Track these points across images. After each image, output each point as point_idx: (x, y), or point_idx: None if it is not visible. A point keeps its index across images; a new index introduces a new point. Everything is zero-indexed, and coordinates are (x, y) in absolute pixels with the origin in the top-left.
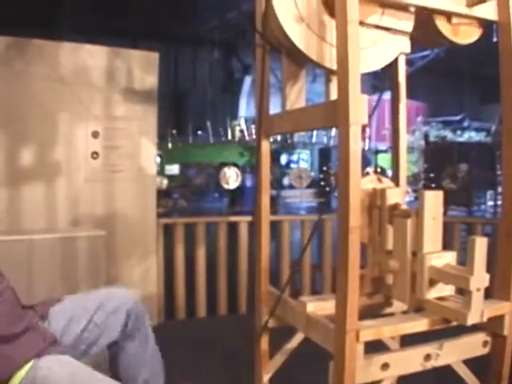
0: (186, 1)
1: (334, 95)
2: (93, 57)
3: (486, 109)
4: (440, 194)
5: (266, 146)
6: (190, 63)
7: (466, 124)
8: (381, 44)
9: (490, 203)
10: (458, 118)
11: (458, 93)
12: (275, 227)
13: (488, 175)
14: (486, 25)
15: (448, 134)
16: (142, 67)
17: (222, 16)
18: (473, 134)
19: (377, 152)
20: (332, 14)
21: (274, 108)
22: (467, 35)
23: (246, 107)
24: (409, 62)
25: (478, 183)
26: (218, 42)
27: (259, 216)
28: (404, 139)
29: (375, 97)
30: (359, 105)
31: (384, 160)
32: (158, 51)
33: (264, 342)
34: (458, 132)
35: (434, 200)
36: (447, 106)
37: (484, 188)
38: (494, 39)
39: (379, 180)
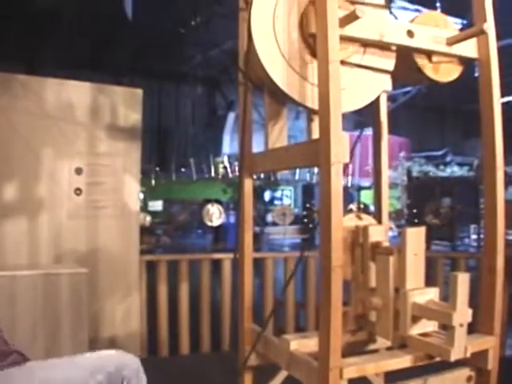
0: (169, 37)
1: (315, 134)
2: (77, 93)
3: (468, 143)
4: (422, 230)
5: (248, 185)
6: (174, 99)
7: (448, 159)
8: (362, 83)
9: (474, 237)
10: (440, 152)
11: (441, 128)
12: (259, 264)
13: (471, 209)
14: (467, 60)
15: (431, 169)
16: (126, 104)
17: (206, 53)
18: (455, 168)
19: (360, 188)
20: (314, 53)
21: (258, 144)
22: (448, 73)
23: (229, 144)
24: (391, 98)
25: (461, 217)
26: (202, 79)
27: (242, 254)
28: (386, 176)
29: (356, 133)
30: (341, 144)
31: (367, 196)
32: (142, 87)
33: (247, 380)
34: (441, 167)
35: (416, 237)
36: (430, 141)
37: (467, 222)
38: (476, 74)
39: (359, 217)
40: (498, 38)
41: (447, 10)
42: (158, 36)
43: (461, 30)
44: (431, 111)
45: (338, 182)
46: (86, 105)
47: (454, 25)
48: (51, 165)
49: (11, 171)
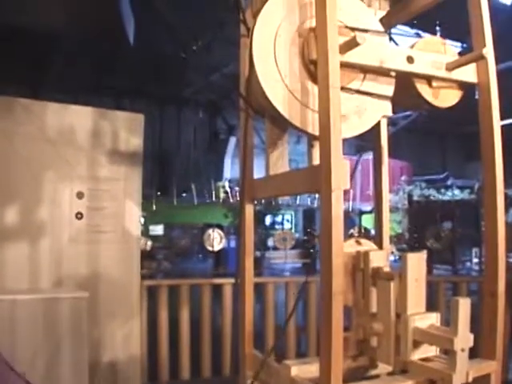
0: (170, 62)
1: (316, 160)
2: (79, 117)
3: (469, 166)
4: (422, 256)
5: (249, 211)
6: (175, 124)
7: (449, 182)
8: (363, 109)
9: (476, 260)
10: (441, 176)
11: (442, 151)
12: (260, 289)
13: (472, 233)
14: (467, 84)
15: (432, 193)
16: (128, 129)
17: (207, 77)
18: (457, 191)
19: (361, 213)
20: (314, 80)
21: (259, 168)
22: (448, 98)
23: (230, 168)
24: (392, 122)
25: (463, 241)
26: (203, 103)
27: (243, 279)
28: (386, 201)
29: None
30: (341, 170)
31: (368, 221)
32: (143, 111)
33: None
34: (442, 190)
35: (416, 262)
36: (431, 165)
37: (469, 245)
38: (476, 97)
39: (358, 243)
40: (497, 61)
41: (447, 34)
42: (160, 60)
43: (460, 53)
44: (432, 134)
45: (338, 209)
46: (88, 129)
47: (453, 50)
48: (52, 189)
49: (13, 195)
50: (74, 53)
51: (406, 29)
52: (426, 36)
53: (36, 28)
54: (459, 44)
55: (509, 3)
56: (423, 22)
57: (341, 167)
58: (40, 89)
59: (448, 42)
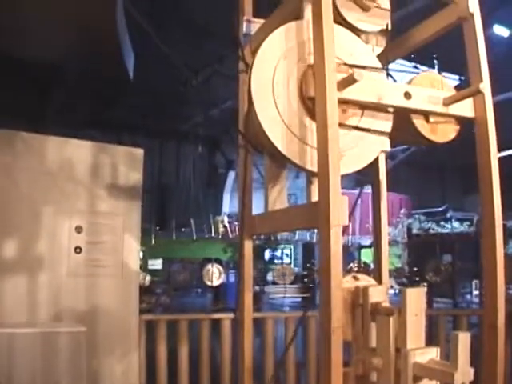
0: (170, 96)
1: (315, 197)
2: (79, 152)
3: (468, 199)
4: (422, 291)
5: (248, 247)
6: (174, 158)
7: (449, 215)
8: (361, 145)
9: (476, 292)
10: (441, 209)
11: (441, 184)
12: (259, 324)
13: (472, 265)
14: (465, 119)
15: (431, 226)
16: (127, 163)
17: (207, 112)
18: (456, 224)
19: (360, 247)
20: (313, 117)
21: (258, 203)
22: (445, 133)
23: (229, 202)
24: (391, 155)
25: (463, 274)
26: (202, 138)
27: (242, 315)
28: (385, 236)
29: (357, 191)
30: (340, 207)
31: (367, 255)
32: (143, 145)
33: None
34: (442, 223)
35: (415, 297)
36: (430, 198)
37: (469, 278)
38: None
39: (355, 278)
40: (495, 93)
41: (445, 67)
42: (159, 95)
43: (458, 87)
44: (431, 167)
45: (337, 245)
46: (87, 164)
47: (450, 84)
48: (51, 222)
49: (11, 228)
50: (74, 86)
51: (404, 62)
52: (424, 69)
53: (37, 61)
54: (457, 77)
55: (506, 35)
56: (421, 56)
57: (339, 204)
58: (40, 122)
59: (445, 74)
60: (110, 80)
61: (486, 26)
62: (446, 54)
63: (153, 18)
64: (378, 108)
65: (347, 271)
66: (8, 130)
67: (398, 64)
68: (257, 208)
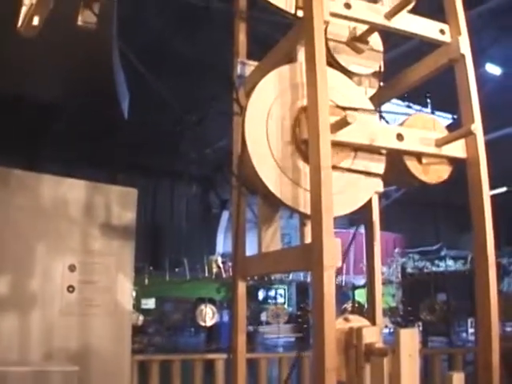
0: (164, 135)
1: (308, 238)
2: (73, 190)
3: (462, 237)
4: (415, 331)
5: (242, 288)
6: (168, 197)
7: (443, 253)
8: (354, 187)
9: (471, 330)
10: (435, 247)
11: (435, 222)
12: (253, 364)
13: (467, 303)
14: (457, 160)
15: (425, 265)
16: (121, 203)
17: (201, 151)
18: (450, 262)
19: (354, 288)
20: (306, 159)
21: (252, 243)
22: (438, 174)
23: (223, 242)
24: (384, 194)
25: (458, 312)
26: (196, 177)
27: (235, 355)
28: (379, 276)
29: (352, 230)
30: (333, 249)
31: (361, 295)
32: (137, 184)
33: None
34: (436, 262)
35: (409, 338)
36: (424, 236)
37: (464, 316)
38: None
39: (346, 320)
40: (488, 131)
41: (437, 106)
42: (154, 134)
43: (451, 125)
44: (424, 206)
45: (330, 287)
46: (81, 203)
47: (442, 126)
48: (45, 261)
49: (4, 265)
50: (69, 125)
51: (397, 101)
52: (417, 108)
53: (33, 99)
54: (450, 115)
55: (498, 73)
56: (414, 95)
57: (333, 246)
58: (35, 159)
59: (439, 113)
60: (104, 119)
61: (479, 64)
62: (439, 92)
63: (147, 57)
64: (371, 150)
65: (341, 311)
66: (3, 168)
67: (391, 103)
68: (251, 248)
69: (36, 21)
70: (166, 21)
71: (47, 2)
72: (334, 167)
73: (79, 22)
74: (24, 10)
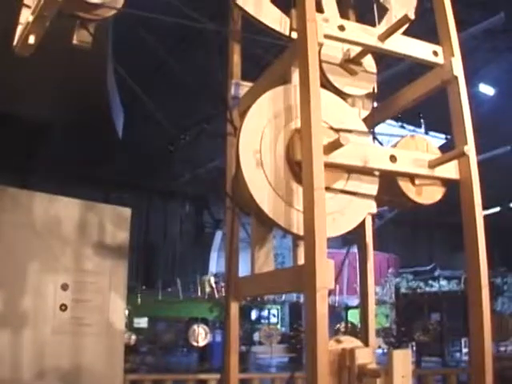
0: (158, 155)
1: (301, 260)
2: (66, 209)
3: (456, 257)
4: (408, 352)
5: (234, 309)
6: (162, 216)
7: (436, 273)
8: (347, 208)
9: (465, 350)
10: (428, 267)
11: (429, 242)
12: None
13: (461, 323)
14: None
15: (419, 285)
16: (114, 222)
17: (194, 170)
18: (444, 282)
19: (347, 308)
20: (299, 180)
21: (245, 262)
22: (431, 195)
23: (216, 262)
24: (378, 215)
25: (452, 332)
26: (190, 196)
27: (228, 376)
28: (372, 297)
29: (344, 251)
30: (326, 270)
31: (355, 315)
32: (130, 203)
33: None
34: (429, 282)
35: (402, 359)
36: (418, 256)
37: (458, 336)
38: None
39: (338, 341)
40: (482, 151)
41: (431, 126)
42: (147, 153)
43: (444, 145)
44: (418, 226)
45: (323, 308)
46: (75, 221)
47: (435, 147)
48: (37, 279)
49: None
50: (63, 144)
51: (391, 121)
52: (411, 128)
53: (27, 118)
54: (443, 136)
55: (491, 94)
56: (407, 115)
57: (326, 267)
58: (29, 177)
59: (432, 133)
60: (99, 138)
61: (472, 84)
62: (433, 112)
63: (141, 77)
64: (364, 171)
65: (334, 332)
66: None
67: (385, 124)
68: (244, 267)
69: (32, 40)
70: (160, 41)
71: (43, 21)
72: (328, 188)
73: (75, 42)
74: (20, 28)
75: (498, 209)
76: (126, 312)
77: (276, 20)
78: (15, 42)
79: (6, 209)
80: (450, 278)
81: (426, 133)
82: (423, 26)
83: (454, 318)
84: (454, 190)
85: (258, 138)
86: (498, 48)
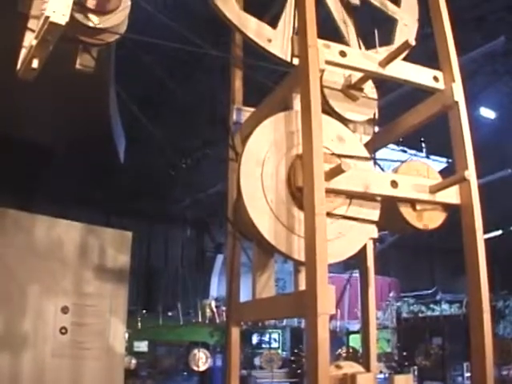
0: (159, 179)
1: (302, 285)
2: (67, 232)
3: (458, 280)
4: (409, 378)
5: (235, 334)
6: (163, 240)
7: (438, 297)
8: (348, 233)
9: (467, 374)
10: (430, 291)
11: (430, 266)
12: None
13: (463, 347)
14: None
15: (421, 309)
16: (115, 246)
17: (195, 195)
18: (446, 306)
19: (348, 333)
20: (301, 206)
21: (246, 287)
22: (432, 220)
23: (217, 286)
24: (379, 239)
25: (453, 356)
26: (191, 220)
27: None
28: (374, 323)
29: (346, 275)
30: (327, 296)
31: (356, 340)
32: (131, 227)
33: None
34: (431, 305)
35: None
36: (419, 280)
37: (460, 360)
38: None
39: (338, 367)
40: (483, 174)
41: (432, 150)
42: (148, 177)
43: (446, 169)
44: (420, 250)
45: (324, 334)
46: (76, 244)
47: (436, 172)
48: (37, 302)
49: None
50: (65, 166)
51: (393, 146)
52: (412, 152)
53: (29, 141)
54: (444, 159)
55: (492, 117)
56: (408, 139)
57: (327, 293)
58: (30, 199)
59: (433, 157)
60: (100, 161)
61: (473, 107)
62: (434, 136)
63: (143, 101)
64: (366, 197)
65: (335, 357)
66: None
67: (386, 148)
68: (244, 292)
69: (35, 64)
70: (162, 65)
71: (47, 45)
72: (329, 214)
73: (78, 66)
74: (24, 52)
75: (499, 232)
76: (126, 336)
77: (278, 47)
78: (19, 66)
79: (7, 231)
80: (451, 301)
81: (428, 157)
82: (423, 50)
83: (455, 342)
84: (455, 213)
85: (259, 165)
86: (499, 71)
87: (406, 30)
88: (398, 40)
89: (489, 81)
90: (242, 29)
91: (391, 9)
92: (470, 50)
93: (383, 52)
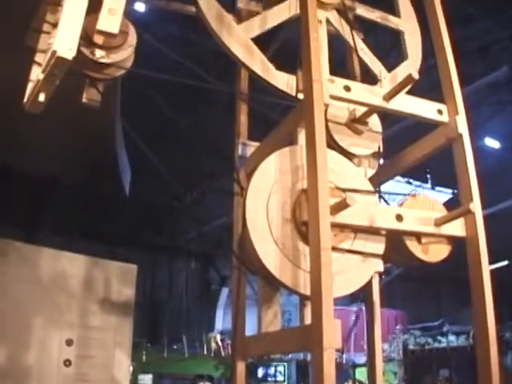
0: (164, 212)
1: (308, 320)
2: (72, 264)
3: (465, 311)
4: None
5: (241, 369)
6: (167, 273)
7: (445, 329)
8: (354, 267)
9: None
10: (436, 323)
11: (436, 297)
12: None
13: (470, 379)
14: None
15: (427, 341)
16: (120, 279)
17: (200, 227)
18: (452, 338)
19: (354, 366)
20: (306, 240)
21: (251, 319)
22: (437, 253)
23: (222, 319)
24: (385, 271)
25: None
26: (196, 253)
27: None
28: (380, 356)
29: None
30: (333, 330)
31: (362, 373)
32: (136, 259)
33: None
34: (438, 337)
35: None
36: (426, 312)
37: None
38: None
39: None
40: (489, 204)
41: (437, 181)
42: (153, 209)
43: (451, 200)
44: (426, 281)
45: (330, 368)
46: (81, 277)
47: (441, 205)
48: (42, 334)
49: (1, 337)
50: (70, 198)
51: (397, 177)
52: (417, 183)
53: (34, 173)
54: (450, 191)
55: (497, 147)
56: (414, 171)
57: (333, 327)
58: (34, 231)
59: (439, 188)
60: (106, 194)
61: (477, 137)
62: (439, 167)
63: (148, 134)
64: (371, 231)
65: None
66: (2, 239)
67: (393, 180)
68: (250, 325)
69: (42, 97)
70: (167, 98)
71: (53, 79)
72: (334, 248)
73: (84, 100)
74: (30, 86)
75: (505, 262)
76: (131, 368)
77: (283, 81)
78: (25, 99)
79: (11, 263)
80: (458, 333)
81: (433, 188)
82: (427, 80)
83: (462, 374)
84: (460, 243)
85: (264, 199)
86: (502, 101)
87: (412, 40)
88: (410, 53)
89: (493, 110)
90: (246, 63)
91: (394, 21)
92: (474, 80)
93: (387, 85)
